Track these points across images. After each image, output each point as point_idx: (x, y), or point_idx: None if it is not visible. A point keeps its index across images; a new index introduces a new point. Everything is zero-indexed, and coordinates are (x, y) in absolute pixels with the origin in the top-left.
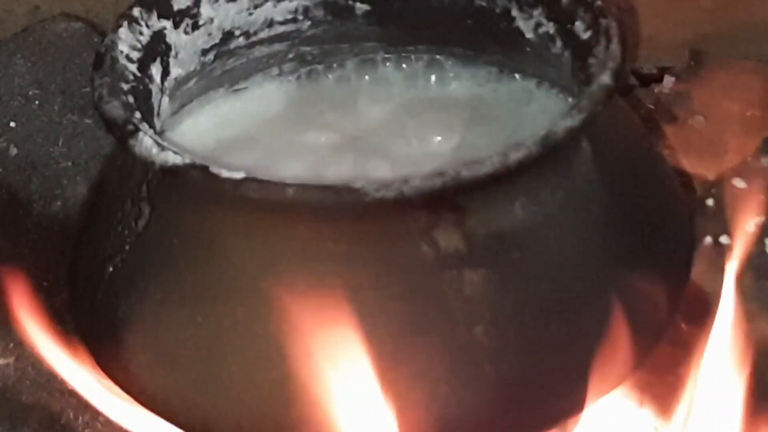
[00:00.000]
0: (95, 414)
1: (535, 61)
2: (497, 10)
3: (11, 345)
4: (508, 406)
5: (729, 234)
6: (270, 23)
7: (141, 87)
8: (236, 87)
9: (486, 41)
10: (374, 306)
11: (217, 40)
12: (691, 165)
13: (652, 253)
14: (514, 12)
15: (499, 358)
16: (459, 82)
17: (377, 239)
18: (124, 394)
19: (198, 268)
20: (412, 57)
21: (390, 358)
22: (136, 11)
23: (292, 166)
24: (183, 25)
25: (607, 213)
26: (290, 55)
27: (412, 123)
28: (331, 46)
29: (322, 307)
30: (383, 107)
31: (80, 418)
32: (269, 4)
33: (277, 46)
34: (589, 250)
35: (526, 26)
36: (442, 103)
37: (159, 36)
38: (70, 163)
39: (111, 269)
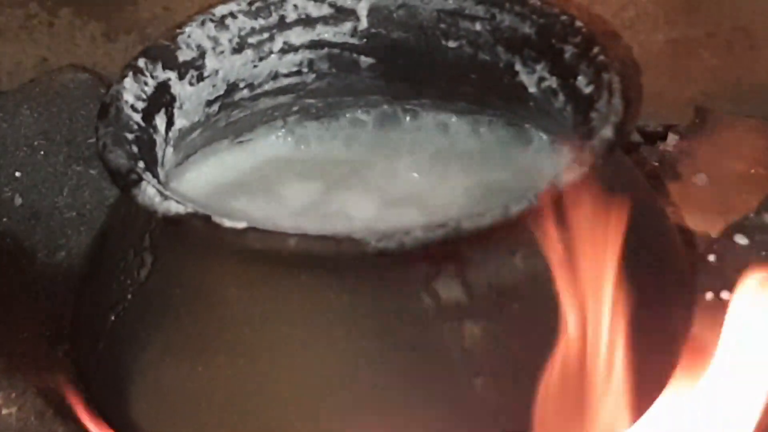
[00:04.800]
0: None
1: (539, 114)
2: (501, 65)
3: (13, 395)
4: None
5: (730, 290)
6: (275, 76)
7: (145, 137)
8: (240, 139)
9: (490, 95)
10: (375, 356)
11: (221, 92)
12: (693, 221)
13: (652, 307)
14: (518, 66)
15: (498, 410)
16: (463, 134)
17: (378, 290)
18: None
19: (199, 317)
20: (417, 109)
21: (390, 408)
22: (141, 62)
23: (293, 217)
24: (188, 77)
25: None
26: (294, 108)
27: (418, 172)
28: (335, 99)
29: (324, 358)
30: (391, 158)
31: None
32: (274, 56)
33: (281, 99)
34: None
35: (529, 81)
36: (447, 154)
37: (164, 87)
38: (74, 214)
39: (113, 318)
